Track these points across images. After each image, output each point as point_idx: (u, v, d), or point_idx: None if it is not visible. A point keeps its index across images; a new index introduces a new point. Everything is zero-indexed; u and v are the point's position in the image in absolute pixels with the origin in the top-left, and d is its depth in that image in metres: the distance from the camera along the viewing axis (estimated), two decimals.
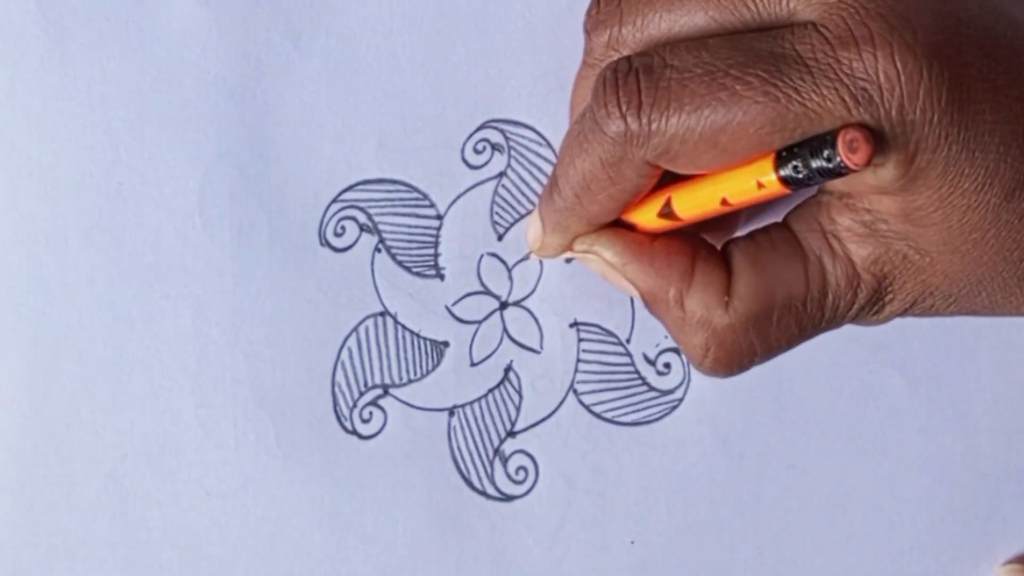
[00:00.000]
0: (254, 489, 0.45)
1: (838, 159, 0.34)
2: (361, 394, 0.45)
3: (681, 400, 0.46)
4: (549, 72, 0.45)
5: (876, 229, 0.38)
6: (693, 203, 0.39)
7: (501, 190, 0.45)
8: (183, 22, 0.45)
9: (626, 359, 0.46)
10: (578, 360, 0.46)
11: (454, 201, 0.45)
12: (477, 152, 0.45)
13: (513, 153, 0.45)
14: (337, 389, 0.45)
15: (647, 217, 0.40)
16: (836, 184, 0.38)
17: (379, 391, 0.45)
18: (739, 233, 0.42)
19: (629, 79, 0.37)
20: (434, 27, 0.45)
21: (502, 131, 0.45)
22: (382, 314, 0.45)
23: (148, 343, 0.45)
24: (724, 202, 0.38)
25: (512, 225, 0.46)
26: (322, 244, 0.45)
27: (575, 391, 0.46)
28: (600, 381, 0.46)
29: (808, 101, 0.35)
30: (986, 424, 0.47)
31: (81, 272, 0.45)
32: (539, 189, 0.46)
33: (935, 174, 0.36)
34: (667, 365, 0.46)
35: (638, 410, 0.46)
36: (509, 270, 0.46)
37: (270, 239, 0.45)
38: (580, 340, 0.46)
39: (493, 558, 0.46)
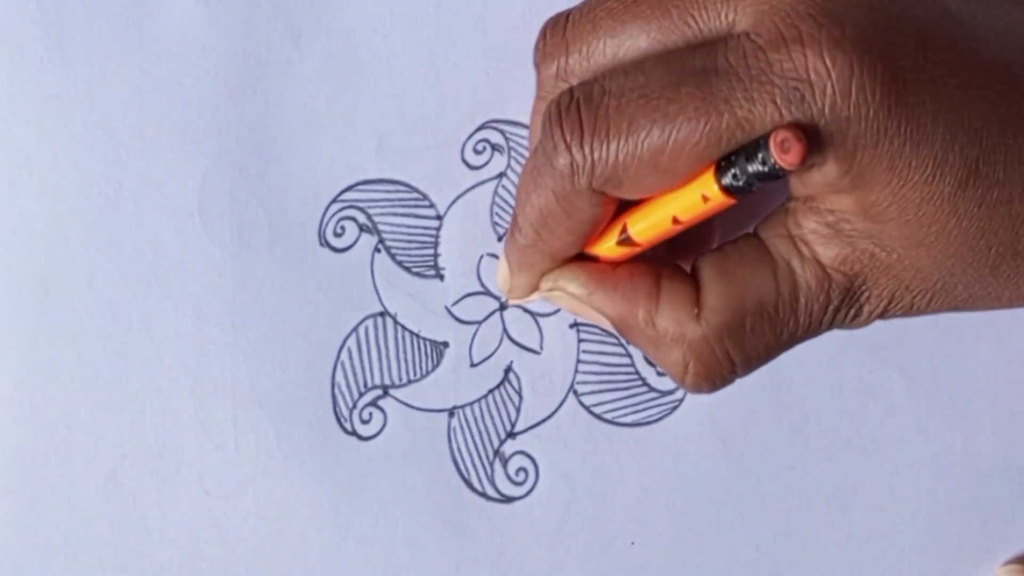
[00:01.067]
0: (254, 489, 0.45)
1: (772, 161, 0.34)
2: (361, 395, 0.45)
3: (681, 401, 0.46)
4: None
5: (840, 229, 0.38)
6: (647, 226, 0.39)
7: (501, 191, 0.45)
8: (183, 22, 0.45)
9: (626, 360, 0.46)
10: (578, 361, 0.46)
11: (454, 201, 0.45)
12: (477, 152, 0.45)
13: (513, 154, 0.45)
14: (337, 390, 0.45)
15: (608, 247, 0.40)
16: (797, 188, 0.38)
17: (379, 392, 0.45)
18: None
19: (571, 110, 0.37)
20: (434, 27, 0.45)
21: (502, 131, 0.45)
22: (382, 314, 0.45)
23: (148, 343, 0.45)
24: (675, 220, 0.38)
25: None
26: (322, 244, 0.45)
27: (575, 392, 0.46)
28: (600, 382, 0.46)
29: (740, 109, 0.35)
30: (986, 424, 0.47)
31: (81, 272, 0.45)
32: None
33: (881, 169, 0.36)
34: None
35: (638, 411, 0.46)
36: None
37: (270, 239, 0.45)
38: (580, 341, 0.46)
39: (493, 559, 0.46)
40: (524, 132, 0.45)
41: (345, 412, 0.45)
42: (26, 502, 0.45)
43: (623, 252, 0.40)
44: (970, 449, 0.47)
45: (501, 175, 0.45)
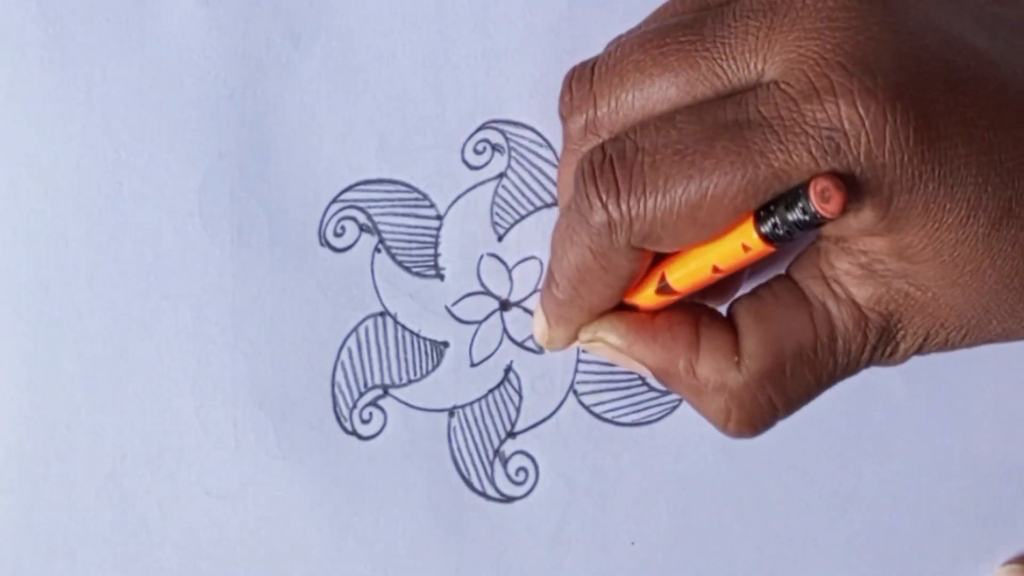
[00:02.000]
0: (254, 489, 0.45)
1: (813, 210, 0.35)
2: (361, 394, 0.45)
3: (681, 401, 0.46)
4: (549, 72, 0.45)
5: (874, 270, 0.38)
6: (685, 273, 0.39)
7: (501, 191, 0.45)
8: (183, 22, 0.45)
9: None
10: (578, 360, 0.46)
11: (454, 201, 0.45)
12: (477, 152, 0.45)
13: (513, 154, 0.45)
14: (337, 389, 0.45)
15: (646, 296, 0.40)
16: (829, 229, 0.38)
17: (379, 391, 0.45)
18: (743, 291, 0.42)
19: (605, 168, 0.37)
20: (434, 27, 0.45)
21: (502, 131, 0.45)
22: (382, 314, 0.45)
23: (148, 343, 0.45)
24: (715, 269, 0.38)
25: (512, 226, 0.46)
26: (322, 244, 0.45)
27: (575, 392, 0.46)
28: (600, 381, 0.46)
29: (776, 160, 0.35)
30: (986, 424, 0.47)
31: (81, 272, 0.45)
32: (539, 190, 0.46)
33: (916, 213, 0.36)
34: None
35: (638, 410, 0.46)
36: (509, 270, 0.46)
37: (270, 239, 0.45)
38: None
39: (493, 559, 0.46)
40: (524, 132, 0.45)
41: (345, 412, 0.45)
42: (26, 502, 0.45)
43: (661, 301, 0.40)
44: (970, 449, 0.47)
45: (501, 175, 0.45)
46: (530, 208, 0.46)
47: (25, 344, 0.45)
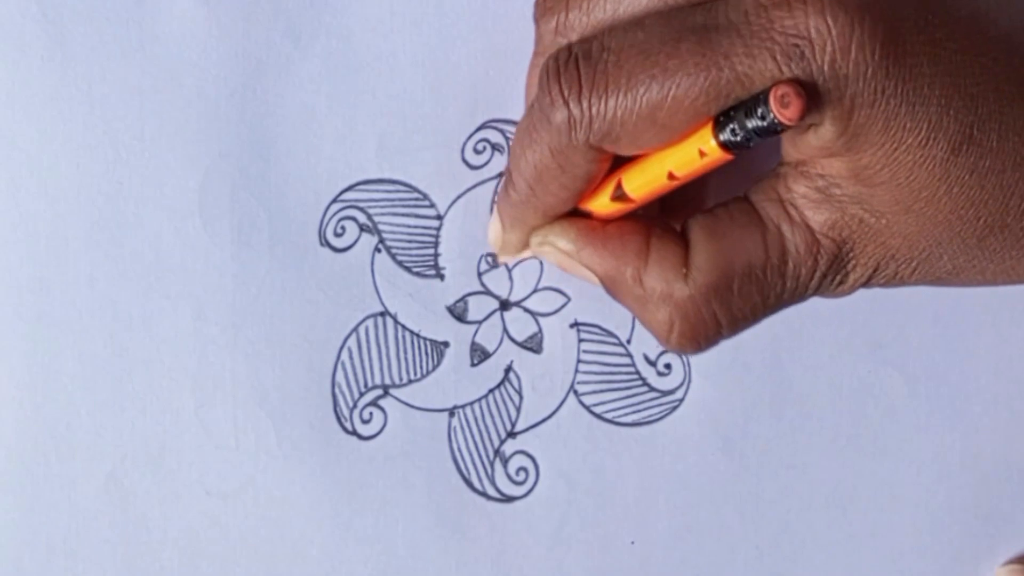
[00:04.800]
0: (254, 489, 0.45)
1: (771, 115, 0.34)
2: (361, 394, 0.45)
3: (681, 400, 0.46)
4: None
5: (830, 194, 0.38)
6: (642, 181, 0.39)
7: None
8: (183, 22, 0.45)
9: (626, 359, 0.46)
10: (578, 360, 0.46)
11: (454, 201, 0.45)
12: (477, 152, 0.45)
13: None
14: (337, 389, 0.45)
15: (602, 203, 0.40)
16: (789, 152, 0.38)
17: (379, 391, 0.45)
18: None
19: (570, 66, 0.37)
20: (434, 27, 0.45)
21: (502, 131, 0.45)
22: (382, 314, 0.45)
23: (148, 343, 0.45)
24: (671, 176, 0.38)
25: None
26: (322, 244, 0.45)
27: (575, 392, 0.46)
28: (600, 382, 0.46)
29: (739, 64, 0.35)
30: (986, 424, 0.47)
31: (81, 272, 0.45)
32: None
33: (876, 130, 0.36)
34: (667, 366, 0.46)
35: (638, 410, 0.46)
36: (509, 270, 0.46)
37: (270, 239, 0.45)
38: (580, 340, 0.46)
39: (493, 559, 0.46)
40: None
41: (345, 412, 0.45)
42: (26, 502, 0.45)
43: (616, 208, 0.40)
44: (970, 449, 0.47)
45: (501, 175, 0.45)
46: None
47: (25, 344, 0.45)
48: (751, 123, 0.35)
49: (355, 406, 0.45)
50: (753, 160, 0.38)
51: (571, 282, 0.46)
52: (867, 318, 0.46)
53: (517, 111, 0.45)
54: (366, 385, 0.45)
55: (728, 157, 0.36)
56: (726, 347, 0.46)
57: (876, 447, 0.47)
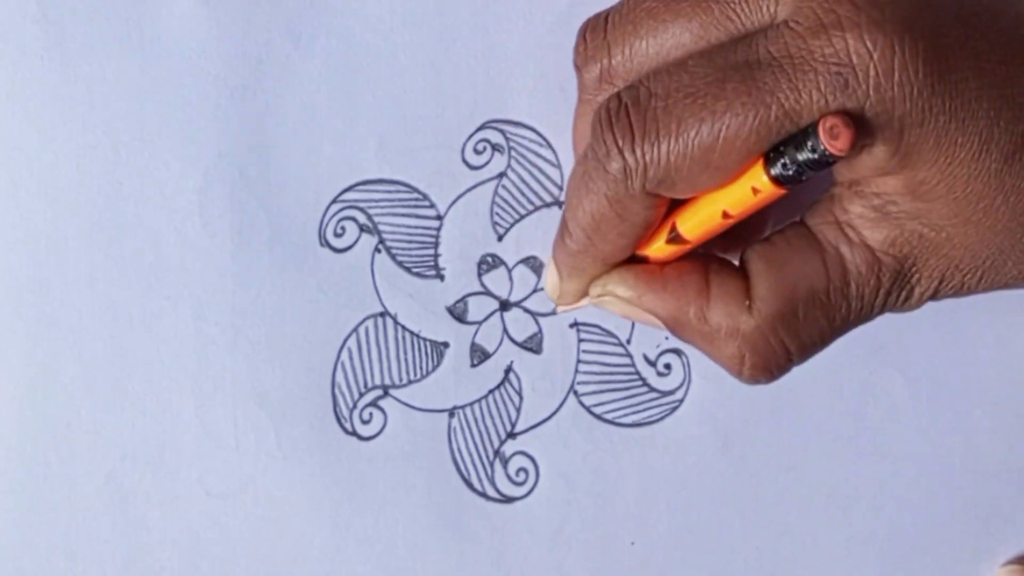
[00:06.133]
0: (254, 489, 0.45)
1: (822, 148, 0.34)
2: (361, 395, 0.45)
3: (681, 401, 0.46)
4: (549, 72, 0.45)
5: (887, 212, 0.38)
6: (696, 222, 0.39)
7: (501, 190, 0.45)
8: (183, 22, 0.45)
9: (626, 360, 0.46)
10: (578, 361, 0.46)
11: (454, 202, 0.45)
12: (477, 152, 0.45)
13: (513, 153, 0.45)
14: (337, 390, 0.45)
15: (657, 247, 0.40)
16: (842, 173, 0.38)
17: (379, 392, 0.45)
18: None
19: (621, 115, 0.37)
20: (434, 27, 0.45)
21: (502, 131, 0.45)
22: (382, 315, 0.45)
23: (148, 343, 0.45)
24: (725, 215, 0.38)
25: (512, 226, 0.46)
26: (322, 244, 0.45)
27: (575, 392, 0.46)
28: (600, 382, 0.46)
29: (786, 100, 0.35)
30: (986, 424, 0.47)
31: (81, 272, 0.45)
32: (539, 190, 0.46)
33: (927, 148, 0.36)
34: (667, 366, 0.46)
35: (638, 411, 0.46)
36: (509, 271, 0.46)
37: (270, 239, 0.45)
38: (580, 341, 0.46)
39: (493, 560, 0.46)
40: (524, 132, 0.45)
41: (345, 412, 0.45)
42: (26, 502, 0.45)
43: (672, 251, 0.40)
44: (970, 449, 0.47)
45: (501, 175, 0.45)
46: (530, 208, 0.46)
47: (25, 344, 0.45)
48: (802, 156, 0.35)
49: (355, 406, 0.45)
50: (809, 185, 0.38)
51: None
52: None
53: (517, 111, 0.45)
54: (366, 385, 0.45)
55: (782, 192, 0.36)
56: None
57: (876, 448, 0.47)
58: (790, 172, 0.35)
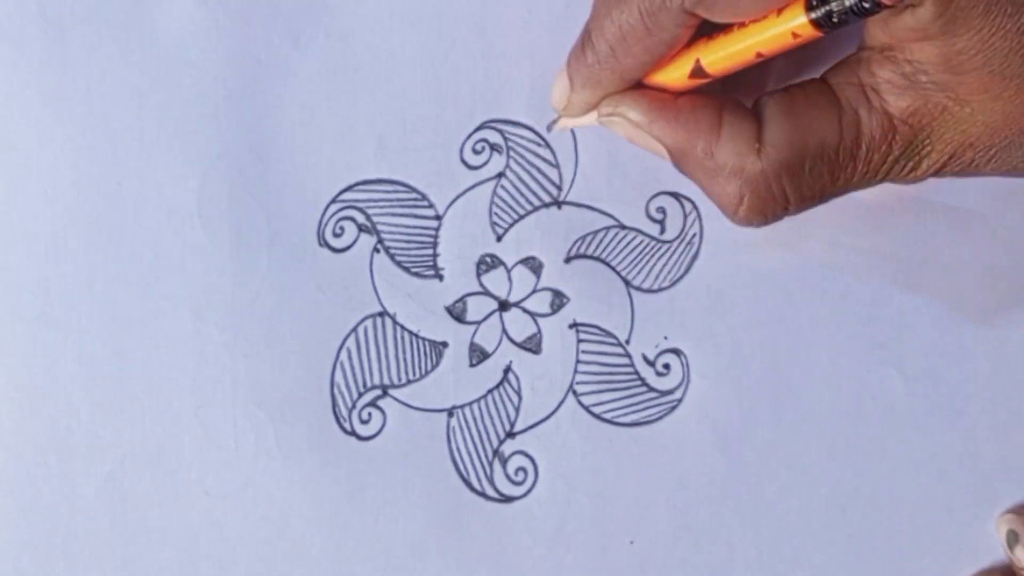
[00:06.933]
0: (254, 489, 0.45)
1: None
2: (360, 395, 0.45)
3: (680, 400, 0.46)
4: (549, 72, 0.45)
5: (916, 80, 0.38)
6: (724, 56, 0.38)
7: (500, 190, 0.45)
8: (183, 22, 0.45)
9: (625, 360, 0.46)
10: (577, 361, 0.46)
11: (453, 201, 0.45)
12: (476, 152, 0.45)
13: (512, 153, 0.45)
14: (336, 390, 0.45)
15: (675, 77, 0.40)
16: (877, 36, 0.37)
17: (378, 392, 0.45)
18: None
19: None
20: (434, 27, 0.45)
21: (501, 131, 0.45)
22: (381, 314, 0.45)
23: (147, 343, 0.45)
24: (758, 54, 0.38)
25: (511, 226, 0.46)
26: (321, 244, 0.45)
27: (574, 392, 0.46)
28: (599, 382, 0.46)
29: None
30: (985, 424, 0.47)
31: (81, 272, 0.45)
32: (538, 189, 0.46)
33: (976, 13, 0.35)
34: (666, 366, 0.46)
35: (637, 411, 0.46)
36: (508, 271, 0.46)
37: (269, 239, 0.45)
38: (579, 341, 0.46)
39: (492, 559, 0.46)
40: (523, 132, 0.45)
41: (344, 412, 0.45)
42: (26, 502, 0.45)
43: (687, 84, 0.40)
44: (969, 449, 0.47)
45: (500, 175, 0.45)
46: (529, 208, 0.46)
47: (25, 344, 0.45)
48: (850, 1, 0.34)
49: (354, 406, 0.45)
50: (830, 42, 0.37)
51: (570, 283, 0.46)
52: (867, 318, 0.46)
53: (517, 111, 0.45)
54: (365, 385, 0.45)
55: (819, 35, 0.36)
56: (725, 347, 0.46)
57: (875, 447, 0.47)
58: (834, 17, 0.35)
